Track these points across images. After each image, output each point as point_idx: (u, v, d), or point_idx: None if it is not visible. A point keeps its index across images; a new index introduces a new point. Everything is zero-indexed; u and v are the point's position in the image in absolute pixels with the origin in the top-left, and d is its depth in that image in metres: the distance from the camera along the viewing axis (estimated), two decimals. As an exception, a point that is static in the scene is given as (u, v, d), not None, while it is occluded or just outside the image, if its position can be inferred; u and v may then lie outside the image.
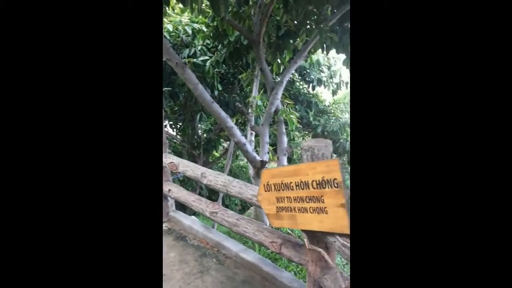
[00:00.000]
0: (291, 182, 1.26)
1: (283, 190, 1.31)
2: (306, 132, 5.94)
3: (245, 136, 4.05)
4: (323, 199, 1.13)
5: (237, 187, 1.69)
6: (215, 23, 4.10)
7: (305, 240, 1.26)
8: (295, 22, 3.40)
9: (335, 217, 1.10)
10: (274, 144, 4.53)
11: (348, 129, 5.52)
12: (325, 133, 5.46)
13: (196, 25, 5.32)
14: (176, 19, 5.52)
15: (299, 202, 1.24)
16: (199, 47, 5.30)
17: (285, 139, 3.89)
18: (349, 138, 5.42)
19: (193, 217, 2.32)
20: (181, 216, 2.33)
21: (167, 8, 3.99)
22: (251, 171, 4.02)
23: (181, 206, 2.78)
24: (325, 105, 6.09)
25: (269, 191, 1.41)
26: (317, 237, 1.25)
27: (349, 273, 0.94)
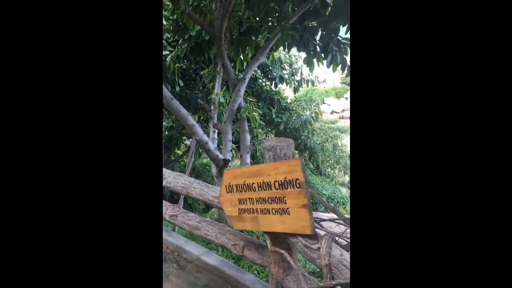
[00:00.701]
0: (253, 183, 1.23)
1: (245, 191, 1.28)
2: (269, 129, 5.97)
3: (208, 134, 3.95)
4: (285, 200, 1.12)
5: (198, 189, 1.62)
6: (175, 17, 3.93)
7: (268, 242, 1.24)
8: (257, 18, 3.37)
9: (297, 218, 1.09)
10: (237, 142, 4.49)
11: (309, 126, 5.63)
12: (287, 130, 5.53)
13: (154, 18, 5.08)
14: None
15: (261, 204, 1.22)
16: (159, 41, 5.07)
17: (248, 136, 3.87)
18: (310, 135, 5.54)
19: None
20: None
21: None
22: (213, 169, 3.94)
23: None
24: (287, 103, 6.17)
25: (231, 192, 1.37)
26: (280, 238, 1.24)
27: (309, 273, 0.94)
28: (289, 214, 1.11)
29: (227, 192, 1.38)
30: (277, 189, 1.13)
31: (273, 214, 1.17)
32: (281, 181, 1.11)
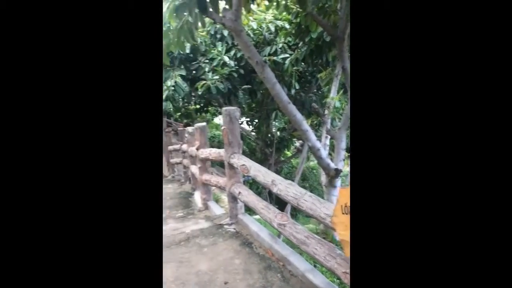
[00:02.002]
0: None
1: (365, 218, 1.12)
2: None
3: (320, 140, 3.83)
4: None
5: (309, 202, 1.53)
6: (298, 20, 3.95)
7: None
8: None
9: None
10: (351, 150, 4.19)
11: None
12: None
13: (279, 22, 5.26)
14: (261, 17, 5.53)
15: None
16: (280, 45, 5.23)
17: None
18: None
19: (259, 223, 2.26)
20: (249, 220, 2.29)
21: (252, 5, 3.99)
22: (323, 177, 3.79)
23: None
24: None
25: (346, 214, 1.23)
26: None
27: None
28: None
29: (342, 214, 1.25)
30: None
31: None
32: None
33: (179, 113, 8.85)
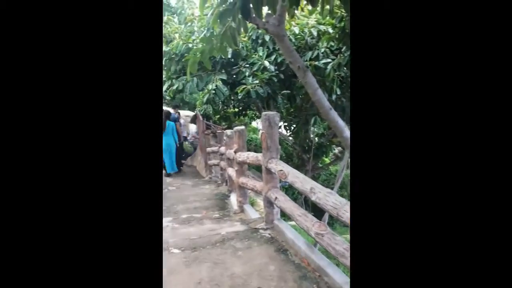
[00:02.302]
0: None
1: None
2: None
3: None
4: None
5: (349, 213, 1.47)
6: (342, 24, 3.85)
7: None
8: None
9: None
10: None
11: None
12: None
13: (322, 27, 5.18)
14: (303, 22, 5.49)
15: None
16: (323, 50, 5.14)
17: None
18: None
19: (295, 230, 2.21)
20: (284, 227, 2.26)
21: (295, 10, 3.97)
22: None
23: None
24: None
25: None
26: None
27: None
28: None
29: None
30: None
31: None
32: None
33: (218, 116, 9.08)
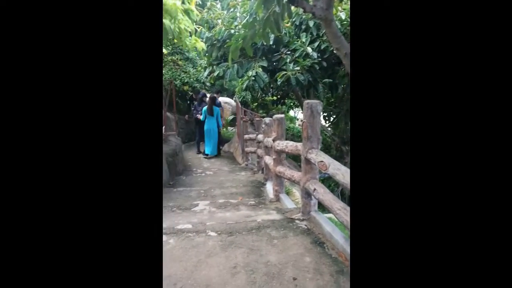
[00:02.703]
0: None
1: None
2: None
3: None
4: None
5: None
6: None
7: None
8: None
9: None
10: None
11: None
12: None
13: (370, 12, 4.87)
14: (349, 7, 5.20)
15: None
16: (370, 36, 4.85)
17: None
18: None
19: (333, 224, 2.15)
20: (322, 219, 2.20)
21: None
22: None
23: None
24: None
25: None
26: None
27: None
28: None
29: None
30: None
31: None
32: None
33: (255, 104, 9.08)
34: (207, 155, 6.62)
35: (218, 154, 6.81)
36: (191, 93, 8.12)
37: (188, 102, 9.11)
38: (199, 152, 7.02)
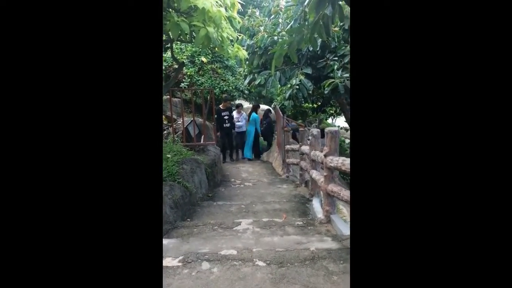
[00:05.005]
0: None
1: None
2: None
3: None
4: None
5: None
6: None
7: None
8: None
9: None
10: None
11: None
12: None
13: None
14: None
15: None
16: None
17: None
18: None
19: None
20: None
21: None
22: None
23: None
24: None
25: None
26: None
27: None
28: None
29: None
30: None
31: None
32: None
33: (293, 111, 8.77)
34: (244, 158, 7.51)
35: (258, 158, 7.67)
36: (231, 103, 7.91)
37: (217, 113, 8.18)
38: (224, 161, 7.14)
